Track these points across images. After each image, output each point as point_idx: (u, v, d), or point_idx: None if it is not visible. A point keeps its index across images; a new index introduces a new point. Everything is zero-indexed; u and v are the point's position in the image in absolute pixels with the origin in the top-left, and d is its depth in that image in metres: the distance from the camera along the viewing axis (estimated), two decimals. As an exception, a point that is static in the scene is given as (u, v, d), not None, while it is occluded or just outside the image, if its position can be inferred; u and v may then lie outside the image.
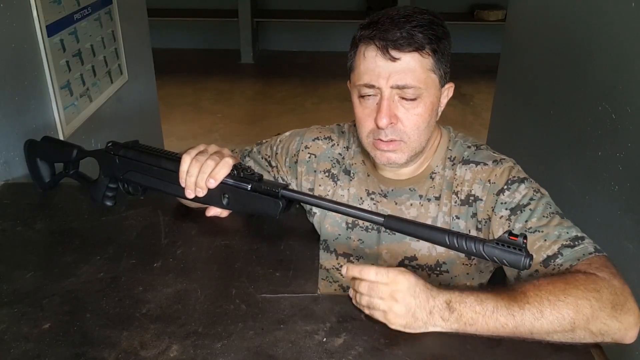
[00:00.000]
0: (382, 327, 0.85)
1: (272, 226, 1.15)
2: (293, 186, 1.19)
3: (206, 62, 5.44)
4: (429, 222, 1.06)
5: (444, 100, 1.04)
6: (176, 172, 0.98)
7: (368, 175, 1.13)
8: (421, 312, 0.82)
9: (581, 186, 1.88)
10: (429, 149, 1.07)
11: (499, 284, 1.08)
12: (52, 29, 1.50)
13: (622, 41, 1.65)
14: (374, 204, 1.11)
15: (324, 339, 0.84)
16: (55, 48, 1.53)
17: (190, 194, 0.97)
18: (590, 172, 1.82)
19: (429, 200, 1.07)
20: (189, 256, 1.04)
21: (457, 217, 1.05)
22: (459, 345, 0.82)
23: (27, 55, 1.42)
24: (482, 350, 0.82)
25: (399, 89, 0.95)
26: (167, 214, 1.17)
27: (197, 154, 0.97)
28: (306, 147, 1.17)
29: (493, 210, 1.00)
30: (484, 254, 0.78)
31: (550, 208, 0.97)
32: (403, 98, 0.96)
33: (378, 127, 0.98)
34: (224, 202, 0.98)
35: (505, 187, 1.00)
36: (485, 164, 1.04)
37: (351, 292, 0.90)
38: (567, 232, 0.92)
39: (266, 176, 1.18)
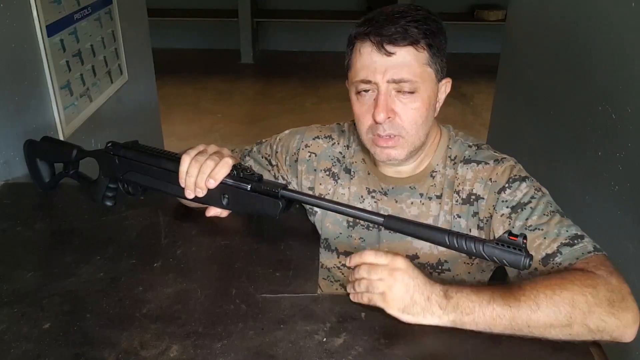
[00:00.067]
0: (382, 327, 0.85)
1: (272, 226, 1.15)
2: (293, 185, 1.20)
3: (206, 62, 5.44)
4: (430, 220, 1.06)
5: (442, 96, 1.05)
6: (176, 172, 0.98)
7: (368, 174, 1.13)
8: (419, 296, 0.83)
9: (581, 186, 1.88)
10: (428, 146, 1.07)
11: (499, 282, 1.08)
12: (52, 29, 1.50)
13: (622, 41, 1.65)
14: (375, 202, 1.11)
15: (324, 339, 0.84)
16: (55, 48, 1.53)
17: (190, 194, 0.97)
18: (590, 172, 1.82)
19: (429, 198, 1.07)
20: (189, 256, 1.04)
21: (459, 216, 1.05)
22: (459, 345, 0.82)
23: (27, 55, 1.42)
24: (482, 350, 0.82)
25: (396, 83, 0.96)
26: (167, 214, 1.17)
27: (196, 154, 0.97)
28: (306, 146, 1.17)
29: (494, 208, 1.00)
30: (484, 254, 0.78)
31: (551, 207, 0.97)
32: (400, 92, 0.97)
33: (376, 122, 0.98)
34: (224, 202, 0.98)
35: (507, 185, 1.00)
36: (486, 163, 1.04)
37: (349, 287, 0.90)
38: (567, 231, 0.93)
39: (266, 175, 1.18)
